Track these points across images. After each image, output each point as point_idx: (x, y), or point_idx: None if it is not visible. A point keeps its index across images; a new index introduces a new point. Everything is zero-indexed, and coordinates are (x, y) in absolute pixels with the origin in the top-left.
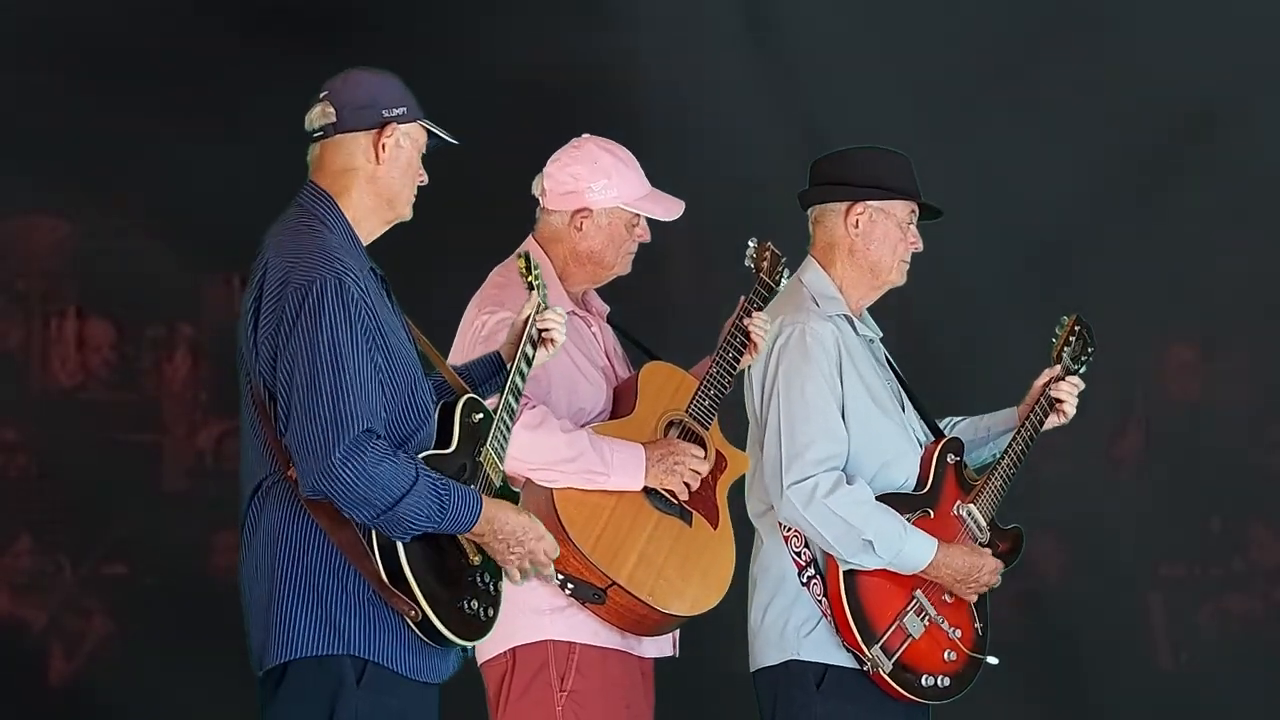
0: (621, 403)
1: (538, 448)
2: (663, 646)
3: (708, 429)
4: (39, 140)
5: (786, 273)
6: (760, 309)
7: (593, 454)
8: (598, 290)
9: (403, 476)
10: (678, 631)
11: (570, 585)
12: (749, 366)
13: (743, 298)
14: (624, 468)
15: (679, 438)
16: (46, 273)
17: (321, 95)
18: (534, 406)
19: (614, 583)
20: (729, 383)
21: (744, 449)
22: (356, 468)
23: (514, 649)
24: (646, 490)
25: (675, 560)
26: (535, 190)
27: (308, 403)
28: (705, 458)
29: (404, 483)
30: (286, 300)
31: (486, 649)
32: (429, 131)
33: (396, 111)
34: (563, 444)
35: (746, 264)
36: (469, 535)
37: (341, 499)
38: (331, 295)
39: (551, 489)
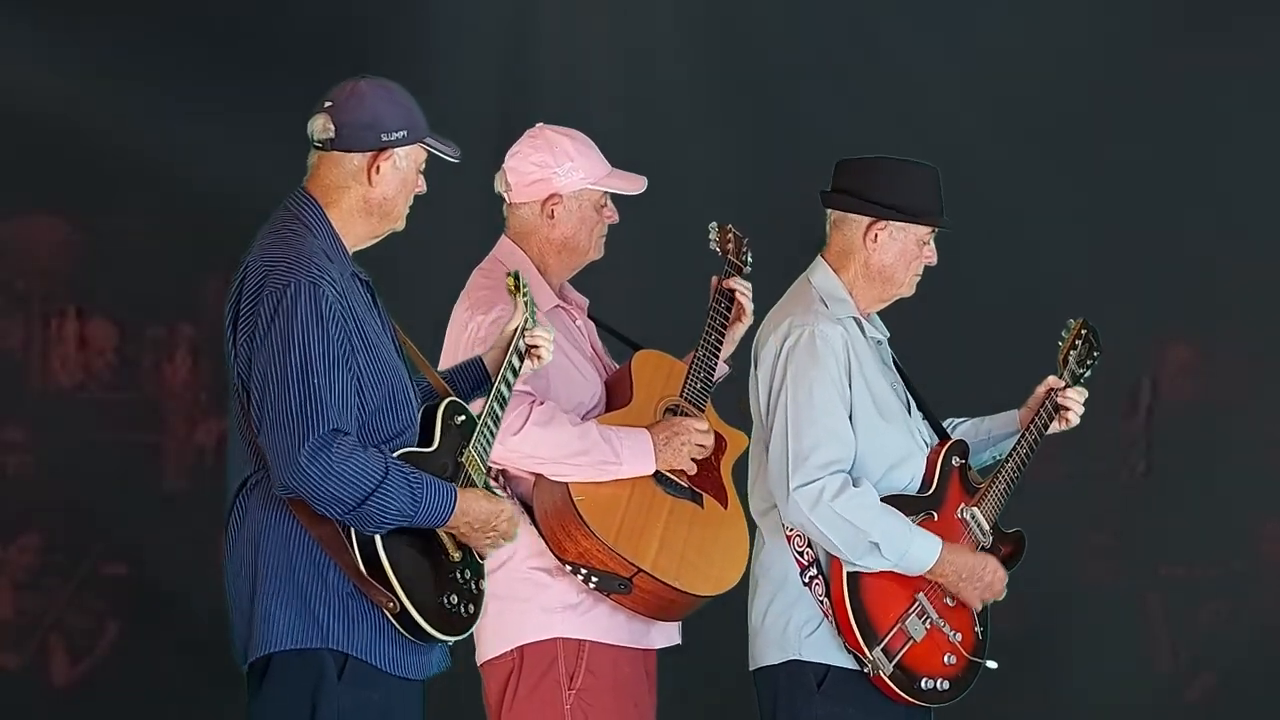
0: (617, 394)
1: (550, 443)
2: (671, 635)
3: (703, 411)
4: (39, 140)
5: (750, 253)
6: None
7: (604, 445)
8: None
9: (371, 471)
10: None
11: (595, 579)
12: (754, 370)
13: (715, 277)
14: (634, 454)
15: None
16: (46, 273)
17: (325, 105)
18: (541, 404)
19: (640, 570)
20: (716, 362)
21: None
22: (323, 464)
23: (522, 647)
24: (657, 477)
25: (695, 542)
26: (498, 188)
27: (277, 403)
28: (706, 431)
29: (373, 477)
30: (262, 303)
31: (489, 647)
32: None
33: (396, 135)
34: (574, 437)
35: (712, 248)
36: (447, 528)
37: (311, 496)
38: (305, 298)
39: (567, 484)
